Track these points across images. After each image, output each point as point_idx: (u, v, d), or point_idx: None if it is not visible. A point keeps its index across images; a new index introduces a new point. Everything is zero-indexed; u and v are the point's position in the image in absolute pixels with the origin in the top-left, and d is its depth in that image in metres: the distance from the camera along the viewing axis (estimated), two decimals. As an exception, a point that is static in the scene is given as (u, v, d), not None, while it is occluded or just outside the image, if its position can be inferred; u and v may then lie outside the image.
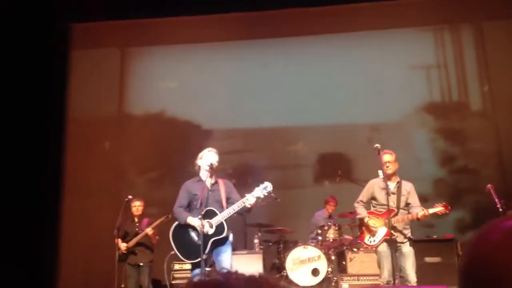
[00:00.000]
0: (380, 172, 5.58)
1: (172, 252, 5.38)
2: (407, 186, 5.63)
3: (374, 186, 5.63)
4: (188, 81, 9.39)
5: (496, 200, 6.27)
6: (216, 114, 9.24)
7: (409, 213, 5.52)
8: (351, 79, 9.10)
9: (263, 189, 5.01)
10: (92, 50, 9.35)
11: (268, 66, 9.38)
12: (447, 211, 5.34)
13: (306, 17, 9.12)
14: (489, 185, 6.38)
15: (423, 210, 5.37)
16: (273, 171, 8.84)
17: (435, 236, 7.16)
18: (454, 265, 6.87)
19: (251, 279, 0.82)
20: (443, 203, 5.34)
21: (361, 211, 5.75)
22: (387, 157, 5.62)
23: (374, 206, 5.68)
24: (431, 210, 5.30)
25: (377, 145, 5.66)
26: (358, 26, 9.14)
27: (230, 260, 5.12)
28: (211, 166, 5.18)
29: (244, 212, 5.21)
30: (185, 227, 5.15)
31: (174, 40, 9.36)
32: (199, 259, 4.94)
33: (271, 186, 5.03)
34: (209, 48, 9.49)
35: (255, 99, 9.19)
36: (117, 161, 9.34)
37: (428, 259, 6.59)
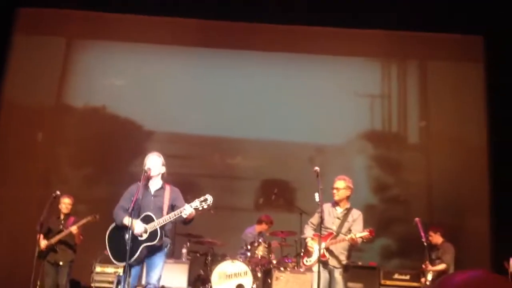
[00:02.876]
0: (316, 195, 5.65)
1: (106, 252, 5.26)
2: (355, 214, 5.73)
3: (325, 210, 5.69)
4: (135, 80, 9.20)
5: (422, 233, 6.50)
6: (160, 117, 9.09)
7: None
8: (299, 98, 9.21)
9: (202, 201, 4.92)
10: (37, 36, 8.98)
11: (218, 76, 9.34)
12: (372, 236, 5.49)
13: (262, 32, 9.18)
14: (416, 219, 6.62)
15: (352, 234, 5.49)
16: (210, 182, 8.77)
17: (360, 263, 7.31)
18: (375, 293, 7.05)
19: None
20: (369, 229, 5.49)
21: (307, 232, 5.85)
22: (338, 183, 5.73)
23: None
24: (358, 234, 5.44)
25: (316, 168, 5.73)
26: (313, 48, 9.29)
27: (159, 274, 5.02)
28: (147, 171, 5.07)
29: (183, 222, 5.13)
30: (121, 229, 5.02)
31: (125, 37, 9.14)
32: (129, 261, 4.82)
33: (212, 199, 4.95)
34: (160, 50, 9.35)
35: (201, 107, 9.11)
36: (51, 153, 8.98)
37: (350, 285, 6.71)
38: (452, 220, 8.41)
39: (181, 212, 4.88)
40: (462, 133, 9.11)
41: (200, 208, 4.93)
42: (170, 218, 4.93)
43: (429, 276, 6.65)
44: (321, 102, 9.18)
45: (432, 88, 9.34)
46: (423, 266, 6.83)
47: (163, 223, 4.94)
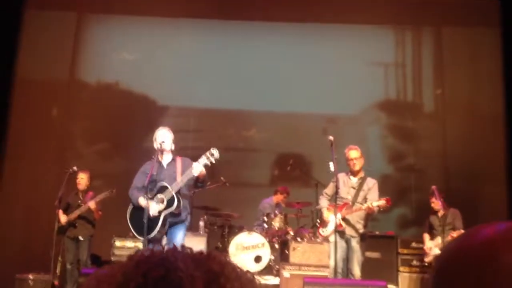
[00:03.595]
0: (331, 164, 5.64)
1: (131, 234, 5.40)
2: (370, 183, 5.74)
3: (339, 179, 5.69)
4: (147, 55, 9.13)
5: (440, 201, 6.47)
6: (173, 91, 9.07)
7: None
8: (312, 69, 9.10)
9: (209, 156, 4.95)
10: (48, 11, 8.92)
11: (230, 47, 9.25)
12: (389, 205, 5.51)
13: (273, 2, 9.03)
14: (433, 186, 6.57)
15: (369, 203, 5.50)
16: (225, 155, 8.76)
17: (377, 232, 7.33)
18: (392, 261, 7.07)
19: (198, 256, 0.76)
20: (386, 198, 5.49)
21: (322, 203, 5.88)
22: (354, 153, 5.73)
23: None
24: (375, 203, 5.46)
25: (330, 137, 5.73)
26: (324, 18, 9.13)
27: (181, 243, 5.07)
28: (161, 144, 5.12)
29: (197, 184, 5.17)
30: (139, 208, 5.11)
31: (137, 11, 9.04)
32: (151, 235, 4.95)
33: (218, 152, 4.96)
34: (171, 23, 9.26)
35: (214, 80, 9.05)
36: (65, 129, 9.03)
37: (368, 254, 6.74)
38: (469, 188, 8.36)
39: (191, 171, 4.92)
40: (478, 100, 8.98)
41: (209, 163, 4.95)
42: (182, 181, 5.00)
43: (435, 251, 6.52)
44: (334, 72, 9.08)
45: (447, 55, 9.17)
46: (424, 248, 6.77)
47: (177, 188, 5.01)
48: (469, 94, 9.06)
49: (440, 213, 6.57)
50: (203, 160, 4.94)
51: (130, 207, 5.27)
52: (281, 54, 9.14)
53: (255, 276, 0.82)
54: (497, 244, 0.81)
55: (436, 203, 6.61)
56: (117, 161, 8.76)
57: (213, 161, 4.97)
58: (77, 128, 9.13)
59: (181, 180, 5.01)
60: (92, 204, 6.68)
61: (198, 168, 4.92)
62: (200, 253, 0.78)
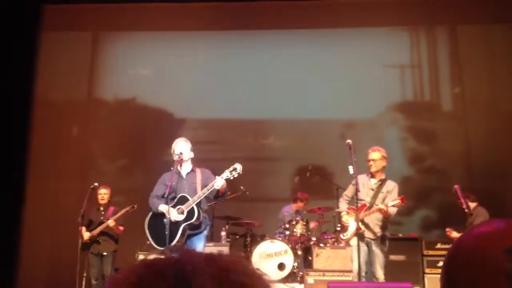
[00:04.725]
0: (350, 167, 5.61)
1: (148, 242, 5.42)
2: (389, 186, 5.69)
3: (359, 181, 5.66)
4: (162, 68, 9.24)
5: (463, 200, 6.36)
6: (190, 103, 9.13)
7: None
8: (326, 75, 9.09)
9: (232, 171, 5.03)
10: (64, 32, 9.10)
11: (244, 57, 9.30)
12: (403, 203, 5.44)
13: (286, 10, 9.06)
14: (456, 186, 6.47)
15: (383, 204, 5.45)
16: (244, 164, 8.77)
17: (400, 235, 7.24)
18: (418, 263, 6.97)
19: (210, 256, 0.78)
20: (401, 196, 5.44)
21: (341, 206, 5.85)
22: (373, 155, 5.70)
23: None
24: (390, 203, 5.40)
25: (348, 140, 5.70)
26: (338, 23, 9.14)
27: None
28: (179, 155, 5.17)
29: (217, 197, 5.24)
30: (158, 216, 5.18)
31: (148, 27, 9.17)
32: (170, 245, 4.97)
33: (241, 167, 5.04)
34: (184, 36, 9.38)
35: (230, 90, 9.10)
36: (86, 146, 9.15)
37: (393, 257, 6.66)
38: (491, 186, 8.20)
39: (213, 185, 4.96)
40: (497, 97, 8.86)
41: (231, 178, 5.00)
42: (204, 193, 5.04)
43: None
44: (349, 76, 9.04)
45: (464, 52, 9.07)
46: (447, 233, 6.68)
47: (198, 200, 5.05)
48: (488, 90, 8.94)
49: (467, 211, 6.46)
50: (226, 174, 5.02)
51: (149, 216, 5.32)
52: (296, 60, 9.14)
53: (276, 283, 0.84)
54: (485, 238, 0.87)
55: (460, 203, 6.50)
56: (137, 176, 8.83)
57: (236, 176, 5.04)
58: (97, 146, 9.24)
59: (202, 193, 5.05)
60: (111, 222, 6.73)
61: (220, 182, 4.99)
62: (211, 254, 0.79)
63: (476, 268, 0.85)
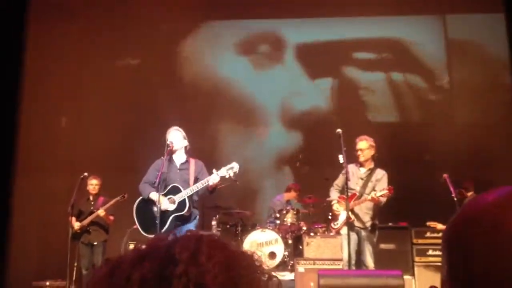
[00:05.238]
0: (340, 157, 5.62)
1: (134, 226, 5.39)
2: (379, 174, 5.73)
3: (349, 170, 5.68)
4: (151, 59, 9.19)
5: (452, 189, 6.41)
6: (179, 97, 9.09)
7: None
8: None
9: (229, 169, 5.03)
10: (53, 23, 8.98)
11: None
12: (391, 194, 5.48)
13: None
14: (445, 175, 6.52)
15: (373, 193, 5.49)
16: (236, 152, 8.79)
17: (390, 224, 7.28)
18: (407, 252, 7.02)
19: (201, 238, 0.78)
20: (388, 187, 5.48)
21: (332, 195, 5.87)
22: (360, 144, 5.72)
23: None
24: (378, 193, 5.46)
25: (338, 130, 5.70)
26: (323, 11, 9.12)
27: None
28: (169, 145, 5.15)
29: (206, 192, 5.21)
30: (148, 202, 5.18)
31: (137, 18, 9.09)
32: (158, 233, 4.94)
33: (238, 166, 5.02)
34: (172, 27, 9.32)
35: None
36: (75, 137, 9.07)
37: (382, 246, 6.71)
38: (480, 175, 8.25)
39: (208, 181, 4.95)
40: (486, 87, 8.89)
41: (227, 176, 5.00)
42: (197, 188, 5.03)
43: None
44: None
45: (453, 42, 9.11)
46: (431, 226, 6.73)
47: (190, 193, 5.04)
48: (477, 80, 8.97)
49: (456, 199, 6.52)
50: (223, 172, 5.01)
51: (138, 201, 5.29)
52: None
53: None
54: (502, 211, 0.81)
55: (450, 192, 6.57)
56: (128, 166, 8.78)
57: (231, 175, 5.02)
58: (87, 136, 9.15)
59: (196, 187, 5.05)
60: (101, 212, 6.72)
61: (216, 179, 4.98)
62: (203, 235, 0.80)
63: (498, 245, 0.78)
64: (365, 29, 9.14)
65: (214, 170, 5.04)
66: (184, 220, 5.13)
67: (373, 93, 9.12)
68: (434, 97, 9.30)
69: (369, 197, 5.50)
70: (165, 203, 5.03)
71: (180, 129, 5.37)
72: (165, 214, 5.02)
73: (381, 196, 5.44)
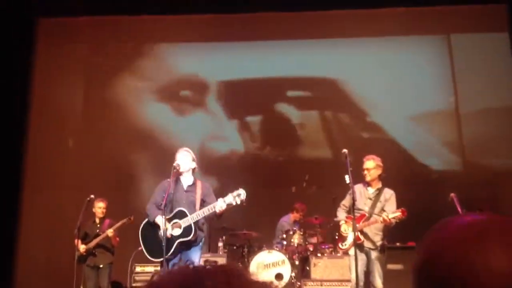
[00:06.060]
0: (346, 177, 5.59)
1: (140, 248, 5.34)
2: (387, 194, 5.66)
3: (356, 191, 5.65)
4: (156, 80, 9.26)
5: (459, 208, 6.35)
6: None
7: None
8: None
9: (236, 196, 4.95)
10: (59, 45, 9.10)
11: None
12: (404, 216, 5.42)
13: (263, 21, 9.08)
14: (452, 194, 6.46)
15: (385, 215, 5.43)
16: (242, 173, 8.78)
17: (398, 244, 7.20)
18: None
19: (222, 269, 0.79)
20: (401, 209, 5.43)
21: (340, 215, 5.81)
22: (368, 163, 5.67)
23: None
24: (391, 215, 5.39)
25: (344, 150, 5.67)
26: (328, 32, 9.18)
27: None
28: (176, 167, 5.12)
29: (214, 217, 5.16)
30: (154, 226, 5.11)
31: (140, 38, 9.20)
32: (162, 258, 4.91)
33: (245, 193, 4.96)
34: (177, 47, 9.41)
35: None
36: (82, 158, 9.11)
37: (390, 266, 6.62)
38: (488, 193, 8.21)
39: (214, 207, 4.91)
40: (492, 105, 8.88)
41: (234, 203, 4.94)
42: (203, 213, 4.97)
43: None
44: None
45: (458, 62, 9.13)
46: None
47: (196, 218, 4.98)
48: (483, 99, 8.97)
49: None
50: (229, 199, 4.94)
51: (143, 224, 5.25)
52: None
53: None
54: (463, 245, 0.82)
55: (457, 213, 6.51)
56: (134, 188, 8.80)
57: (238, 202, 4.96)
58: (94, 157, 9.19)
59: (202, 212, 4.98)
60: (110, 232, 6.71)
61: (222, 205, 4.92)
62: (223, 266, 0.81)
63: (471, 279, 0.79)
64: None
65: (219, 200, 4.98)
66: (190, 244, 5.09)
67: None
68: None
69: (381, 219, 5.43)
70: (170, 230, 4.99)
71: (189, 151, 5.34)
72: (170, 239, 4.99)
73: (392, 218, 5.38)
